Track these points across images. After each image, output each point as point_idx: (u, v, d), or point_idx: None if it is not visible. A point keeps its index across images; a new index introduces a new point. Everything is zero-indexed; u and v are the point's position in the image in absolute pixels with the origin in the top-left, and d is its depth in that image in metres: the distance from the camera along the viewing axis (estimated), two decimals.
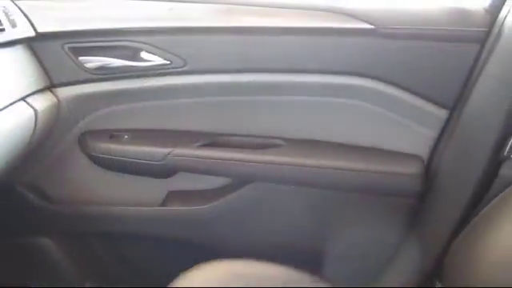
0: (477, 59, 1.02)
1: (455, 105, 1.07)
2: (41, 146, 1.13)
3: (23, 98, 0.97)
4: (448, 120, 1.09)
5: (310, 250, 1.18)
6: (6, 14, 0.95)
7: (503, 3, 0.99)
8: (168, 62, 1.09)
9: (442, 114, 1.09)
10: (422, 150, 1.12)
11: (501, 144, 0.97)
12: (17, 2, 1.01)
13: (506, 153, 0.96)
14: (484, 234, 0.93)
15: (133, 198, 1.22)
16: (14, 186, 1.19)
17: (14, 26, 0.96)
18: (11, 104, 0.94)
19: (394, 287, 1.18)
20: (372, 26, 1.04)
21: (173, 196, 1.21)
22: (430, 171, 1.12)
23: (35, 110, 0.99)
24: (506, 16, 0.97)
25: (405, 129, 1.12)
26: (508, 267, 0.83)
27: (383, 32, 1.04)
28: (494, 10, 1.00)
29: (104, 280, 1.34)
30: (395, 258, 1.19)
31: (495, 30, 0.99)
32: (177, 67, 1.09)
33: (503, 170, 0.96)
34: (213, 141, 1.15)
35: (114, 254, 1.32)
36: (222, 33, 1.09)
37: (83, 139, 1.16)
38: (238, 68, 1.10)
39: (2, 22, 0.93)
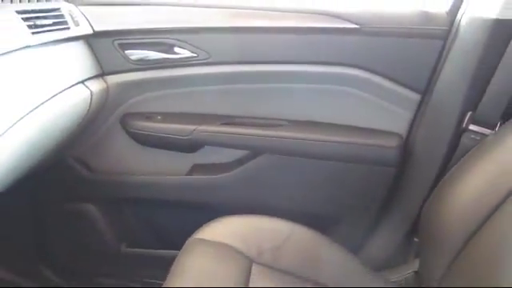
0: (441, 52, 1.20)
1: (426, 89, 1.25)
2: (90, 124, 1.31)
3: (82, 82, 1.17)
4: (420, 102, 1.26)
5: (310, 209, 1.35)
6: (71, 16, 1.15)
7: (459, 8, 1.18)
8: (195, 55, 1.27)
9: (416, 97, 1.26)
10: (401, 127, 1.29)
11: (460, 119, 1.16)
12: (79, 8, 1.22)
13: (464, 125, 1.15)
14: (450, 191, 1.07)
15: (163, 169, 1.39)
16: (65, 158, 1.36)
17: (77, 25, 1.17)
18: (73, 85, 1.14)
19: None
20: (357, 26, 1.21)
21: (197, 167, 1.39)
22: (407, 145, 1.29)
23: (91, 92, 1.19)
24: (461, 18, 1.16)
25: (386, 110, 1.29)
26: (469, 213, 0.97)
27: (366, 30, 1.22)
28: (453, 13, 1.19)
29: (135, 242, 1.49)
30: (379, 218, 1.36)
31: (454, 28, 1.18)
32: (202, 59, 1.28)
33: (463, 140, 1.15)
34: (230, 121, 1.33)
35: (143, 219, 1.48)
36: (237, 32, 1.27)
37: (124, 119, 1.34)
38: (249, 60, 1.28)
39: (68, 22, 1.14)
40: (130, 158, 1.40)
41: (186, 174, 1.39)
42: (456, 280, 0.97)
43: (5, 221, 1.40)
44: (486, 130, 1.13)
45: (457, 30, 1.17)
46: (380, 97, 1.28)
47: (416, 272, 1.21)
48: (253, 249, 1.09)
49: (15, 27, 0.99)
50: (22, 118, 0.94)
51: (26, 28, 1.01)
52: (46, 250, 1.54)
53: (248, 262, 1.06)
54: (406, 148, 1.28)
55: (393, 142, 1.26)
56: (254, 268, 1.06)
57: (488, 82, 1.10)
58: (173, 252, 1.08)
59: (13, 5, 1.06)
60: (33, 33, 1.02)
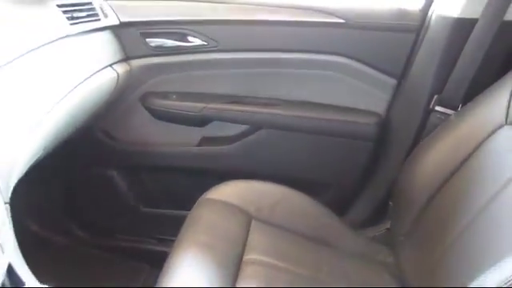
0: (414, 44, 1.35)
1: (401, 75, 1.40)
2: (115, 102, 1.45)
3: (110, 65, 1.33)
4: (397, 86, 1.42)
5: (300, 175, 1.50)
6: (102, 9, 1.31)
7: (430, 6, 1.33)
8: (205, 43, 1.43)
9: (393, 82, 1.41)
10: (380, 107, 1.44)
11: (429, 101, 1.31)
12: (108, 1, 1.37)
13: (431, 106, 1.30)
14: (418, 162, 1.22)
15: (176, 140, 1.54)
16: (93, 130, 1.51)
17: (106, 17, 1.32)
18: (103, 68, 1.30)
19: None
20: (343, 20, 1.36)
21: (205, 140, 1.54)
22: (385, 122, 1.44)
23: (117, 74, 1.35)
24: (431, 15, 1.32)
25: (367, 92, 1.43)
26: (431, 179, 1.13)
27: (351, 24, 1.37)
28: (424, 11, 1.34)
29: (151, 203, 1.64)
30: (360, 185, 1.52)
31: (425, 24, 1.33)
32: (211, 47, 1.43)
33: (431, 118, 1.31)
34: (234, 100, 1.48)
35: (158, 183, 1.62)
36: (240, 24, 1.42)
37: (144, 97, 1.50)
38: (251, 48, 1.44)
39: (99, 14, 1.29)
40: (148, 131, 1.55)
41: (196, 145, 1.55)
42: (418, 233, 1.14)
43: (40, 182, 1.50)
44: (450, 110, 1.28)
45: (427, 25, 1.32)
46: (362, 81, 1.43)
47: (387, 229, 1.36)
48: (252, 207, 1.25)
49: (57, 19, 1.14)
50: (64, 96, 1.09)
51: (66, 20, 1.16)
52: (73, 208, 1.68)
53: (248, 218, 1.23)
54: (384, 125, 1.44)
55: (372, 120, 1.42)
56: (253, 222, 1.22)
57: (451, 70, 1.25)
58: (184, 212, 1.23)
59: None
60: (71, 24, 1.18)
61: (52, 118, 1.04)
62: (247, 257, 1.13)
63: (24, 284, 0.69)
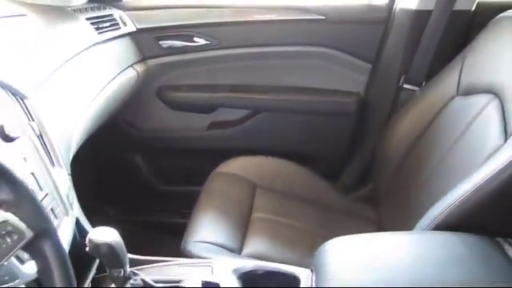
0: (383, 33, 1.54)
1: (375, 60, 1.58)
2: (135, 96, 1.63)
3: (131, 65, 1.53)
4: (372, 69, 1.60)
5: (295, 149, 1.67)
6: (121, 19, 1.51)
7: (394, 1, 1.51)
8: (209, 42, 1.62)
9: (368, 66, 1.60)
10: (359, 88, 1.62)
11: (398, 80, 1.50)
12: (126, 12, 1.56)
13: (400, 84, 1.50)
14: (391, 131, 1.39)
15: (188, 126, 1.72)
16: (118, 121, 1.67)
17: (125, 25, 1.52)
18: (126, 68, 1.50)
19: None
20: (323, 17, 1.55)
21: (213, 124, 1.72)
22: (363, 100, 1.62)
23: (137, 72, 1.54)
24: (395, 8, 1.51)
25: (347, 76, 1.61)
26: (402, 144, 1.31)
27: (330, 20, 1.56)
28: (390, 5, 1.53)
29: (169, 182, 1.80)
30: (346, 154, 1.70)
31: (391, 16, 1.52)
32: (214, 45, 1.62)
33: (401, 95, 1.50)
34: (236, 89, 1.66)
35: (174, 163, 1.77)
36: (237, 25, 1.61)
37: (159, 91, 1.68)
38: (247, 44, 1.62)
39: (119, 23, 1.50)
40: (164, 119, 1.73)
41: (206, 129, 1.73)
42: (394, 190, 1.33)
43: (73, 168, 1.70)
44: (415, 87, 1.48)
45: (393, 17, 1.52)
46: (342, 66, 1.62)
47: (371, 190, 1.55)
48: (256, 177, 1.45)
49: (87, 30, 1.35)
50: (100, 91, 1.30)
51: (94, 30, 1.37)
52: (102, 189, 1.83)
53: (253, 186, 1.43)
54: (363, 103, 1.62)
55: (353, 99, 1.61)
56: (258, 189, 1.43)
57: (414, 53, 1.45)
58: (198, 187, 1.40)
59: (83, 14, 1.40)
60: (98, 33, 1.38)
61: (91, 108, 1.24)
62: (254, 215, 1.34)
63: (87, 232, 0.89)
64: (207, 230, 1.24)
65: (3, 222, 0.51)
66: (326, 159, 1.70)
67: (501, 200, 0.87)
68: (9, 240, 0.50)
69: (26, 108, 0.92)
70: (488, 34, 1.21)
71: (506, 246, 0.85)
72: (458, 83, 1.23)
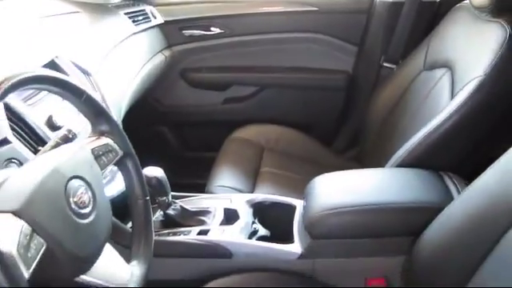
0: (367, 21, 1.77)
1: (360, 43, 1.81)
2: (163, 76, 1.83)
3: (160, 51, 1.79)
4: (358, 51, 1.82)
5: (295, 119, 1.87)
6: (151, 13, 1.77)
7: None
8: (223, 31, 1.86)
9: (355, 48, 1.82)
10: (347, 67, 1.84)
11: (379, 59, 1.73)
12: (155, 7, 1.82)
13: (381, 63, 1.73)
14: (374, 103, 1.61)
15: (207, 101, 1.95)
16: (147, 98, 1.85)
17: (154, 18, 1.78)
18: (156, 53, 1.75)
19: None
20: (316, 8, 1.78)
21: (227, 99, 1.95)
22: (351, 77, 1.85)
23: (165, 56, 1.80)
24: (376, 0, 1.75)
25: (338, 57, 1.84)
26: (381, 112, 1.51)
27: (322, 10, 1.79)
28: None
29: (192, 149, 2.02)
30: (338, 122, 1.92)
31: (373, 6, 1.74)
32: (227, 33, 1.86)
33: (381, 72, 1.73)
34: (246, 69, 1.90)
35: (196, 133, 1.98)
36: (245, 16, 1.86)
37: (183, 72, 1.92)
38: (255, 32, 1.86)
39: (150, 17, 1.76)
40: (186, 96, 1.96)
41: (221, 104, 1.97)
42: (376, 149, 1.54)
43: None
44: (393, 65, 1.71)
45: (374, 8, 1.75)
46: (333, 49, 1.85)
47: (358, 151, 1.78)
48: (263, 141, 1.69)
49: (126, 23, 1.62)
50: (136, 74, 1.57)
51: (131, 22, 1.64)
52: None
53: (261, 148, 1.68)
54: (351, 79, 1.85)
55: (343, 76, 1.85)
56: (265, 151, 1.67)
57: (391, 37, 1.70)
58: (215, 154, 1.61)
59: (121, 9, 1.65)
60: (135, 25, 1.65)
61: (132, 85, 1.50)
62: (262, 169, 1.60)
63: None
64: (226, 178, 1.49)
65: (105, 144, 0.79)
66: (321, 126, 1.93)
67: (443, 143, 1.13)
68: (110, 155, 0.79)
69: (91, 82, 1.20)
70: (448, 21, 1.44)
71: (446, 178, 1.12)
72: (425, 60, 1.46)
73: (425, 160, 1.13)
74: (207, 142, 1.92)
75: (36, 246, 0.57)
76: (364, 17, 1.79)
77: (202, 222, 1.16)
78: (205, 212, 1.19)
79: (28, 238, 0.56)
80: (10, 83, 0.60)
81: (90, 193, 0.67)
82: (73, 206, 0.64)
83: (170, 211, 1.18)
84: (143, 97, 1.74)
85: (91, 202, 0.67)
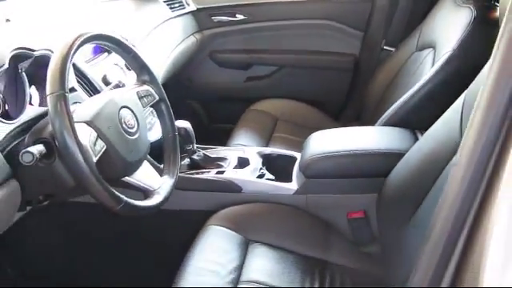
0: (371, 9, 1.95)
1: (365, 29, 2.00)
2: (193, 57, 2.09)
3: (192, 34, 2.04)
4: (363, 36, 2.01)
5: (307, 96, 2.06)
6: (186, 1, 2.05)
7: None
8: (246, 18, 2.08)
9: (361, 34, 2.01)
10: (354, 50, 2.04)
11: (381, 43, 1.94)
12: None
13: (382, 46, 1.94)
14: (374, 82, 1.80)
15: (231, 79, 2.17)
16: (180, 77, 2.11)
17: (188, 5, 2.04)
18: (188, 36, 2.00)
19: None
20: None
21: (249, 78, 2.18)
22: (357, 60, 2.04)
23: (196, 39, 2.05)
24: None
25: (346, 41, 2.03)
26: (378, 91, 1.71)
27: (333, 0, 2.01)
28: None
29: (218, 121, 2.24)
30: (345, 100, 2.13)
31: None
32: (250, 20, 2.08)
33: (382, 55, 1.92)
34: (265, 51, 2.13)
35: (222, 107, 2.20)
36: (266, 4, 2.06)
37: (211, 54, 2.16)
38: (272, 19, 2.07)
39: (184, 4, 2.03)
40: (215, 75, 2.20)
41: (244, 82, 2.20)
42: (376, 118, 1.78)
43: None
44: (392, 48, 1.90)
45: None
46: (342, 34, 2.04)
47: (361, 123, 2.01)
48: (279, 113, 1.92)
49: (165, 9, 1.88)
50: (172, 51, 1.84)
51: (169, 9, 1.91)
52: None
53: (275, 118, 1.90)
54: (357, 61, 2.05)
55: (350, 58, 2.05)
56: (278, 121, 1.89)
57: (391, 23, 1.90)
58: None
59: None
60: (172, 11, 1.92)
61: (167, 63, 1.75)
62: (275, 134, 1.84)
63: None
64: (242, 138, 1.74)
65: (146, 89, 1.05)
66: (330, 102, 2.13)
67: (419, 107, 1.34)
68: (150, 97, 1.05)
69: None
70: (438, 8, 1.63)
71: (417, 133, 1.33)
72: (417, 43, 1.65)
73: (404, 120, 1.34)
74: (231, 116, 2.07)
75: (99, 145, 0.84)
76: (369, 5, 1.97)
77: (220, 166, 1.42)
78: (222, 159, 1.45)
79: (94, 139, 0.83)
80: (82, 38, 0.87)
81: (135, 119, 0.94)
82: (124, 125, 0.90)
83: (195, 157, 1.44)
84: (176, 75, 1.96)
85: (136, 126, 0.94)
